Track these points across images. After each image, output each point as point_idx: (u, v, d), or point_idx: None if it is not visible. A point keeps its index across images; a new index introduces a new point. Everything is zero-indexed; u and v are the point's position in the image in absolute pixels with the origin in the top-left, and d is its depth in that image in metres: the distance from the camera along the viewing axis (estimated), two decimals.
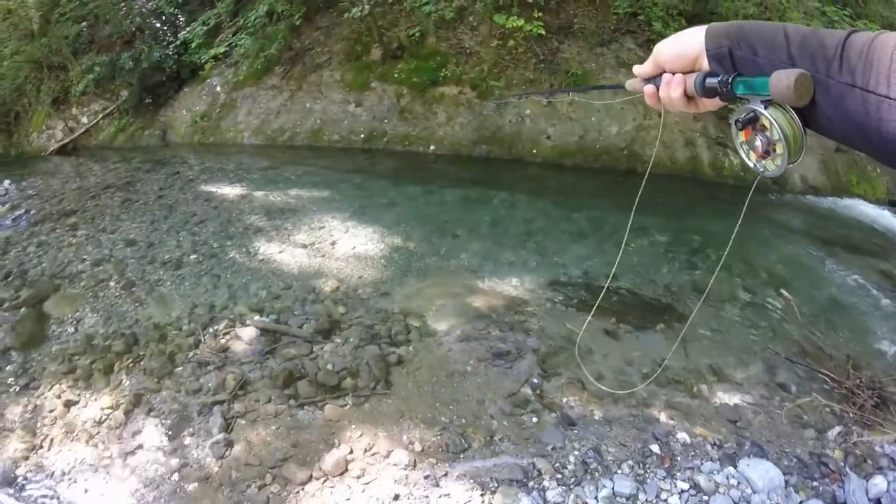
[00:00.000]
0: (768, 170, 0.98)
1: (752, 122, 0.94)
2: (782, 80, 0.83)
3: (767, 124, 0.91)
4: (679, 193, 7.74)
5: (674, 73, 1.04)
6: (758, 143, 0.96)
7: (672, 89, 1.04)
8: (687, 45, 1.01)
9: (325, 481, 3.16)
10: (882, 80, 0.75)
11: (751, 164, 1.01)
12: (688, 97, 1.04)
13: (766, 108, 0.90)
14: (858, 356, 4.32)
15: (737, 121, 0.96)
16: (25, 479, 3.28)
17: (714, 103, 1.03)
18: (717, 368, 4.11)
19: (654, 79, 1.10)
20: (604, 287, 5.00)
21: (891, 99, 0.74)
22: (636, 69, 1.14)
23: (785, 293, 5.01)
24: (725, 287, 5.14)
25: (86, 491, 3.18)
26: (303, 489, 3.12)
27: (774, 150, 0.94)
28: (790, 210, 7.69)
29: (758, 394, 3.89)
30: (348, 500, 3.03)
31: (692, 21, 8.61)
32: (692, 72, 1.02)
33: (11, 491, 3.21)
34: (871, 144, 0.80)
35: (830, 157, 8.66)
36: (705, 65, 0.99)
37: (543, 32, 9.13)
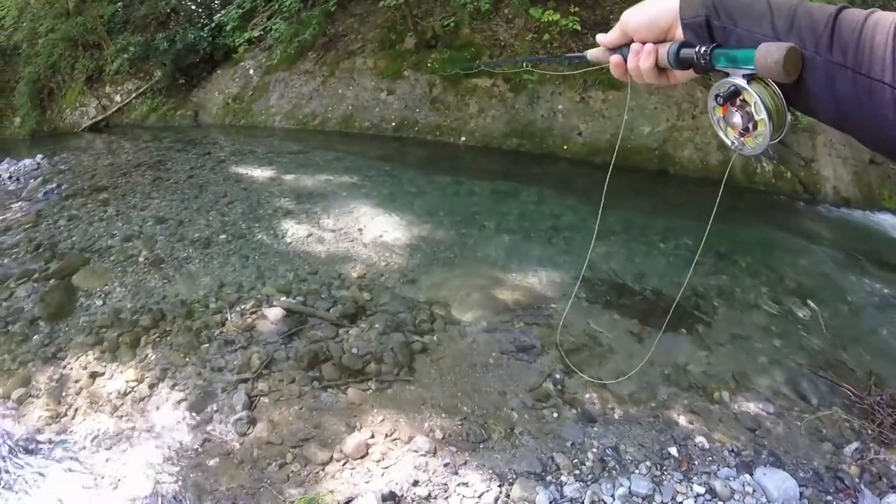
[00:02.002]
0: (747, 147, 0.93)
1: (732, 97, 0.89)
2: (771, 53, 0.78)
3: (750, 100, 0.86)
4: (709, 198, 7.66)
5: (644, 43, 0.98)
6: (736, 119, 0.91)
7: (642, 60, 0.97)
8: (659, 13, 0.94)
9: (345, 463, 3.19)
10: (877, 63, 0.71)
11: (728, 142, 0.96)
12: (659, 69, 0.98)
13: (748, 82, 0.85)
14: (881, 373, 4.25)
15: (717, 95, 0.90)
16: (49, 446, 3.36)
17: (686, 75, 0.98)
18: (739, 376, 4.07)
19: (621, 48, 1.03)
20: (617, 283, 5.02)
21: (884, 83, 0.70)
22: (600, 38, 1.07)
23: (811, 304, 4.95)
24: (752, 295, 5.09)
25: (107, 461, 3.25)
26: (323, 470, 3.17)
27: (755, 128, 0.89)
28: (820, 220, 7.56)
29: (778, 403, 3.84)
30: (367, 482, 3.07)
31: None
32: (663, 41, 0.96)
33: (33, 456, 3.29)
34: (859, 128, 0.77)
35: (864, 168, 8.49)
36: (678, 34, 0.93)
37: (579, 28, 9.02)
